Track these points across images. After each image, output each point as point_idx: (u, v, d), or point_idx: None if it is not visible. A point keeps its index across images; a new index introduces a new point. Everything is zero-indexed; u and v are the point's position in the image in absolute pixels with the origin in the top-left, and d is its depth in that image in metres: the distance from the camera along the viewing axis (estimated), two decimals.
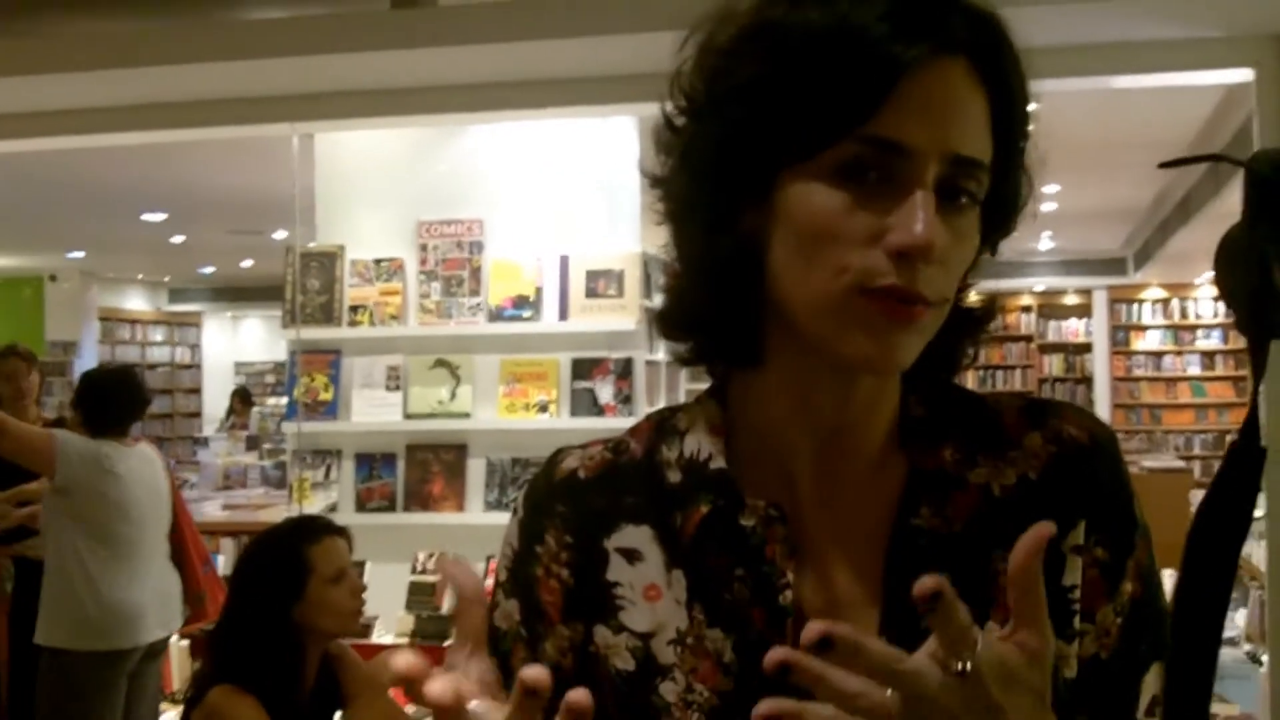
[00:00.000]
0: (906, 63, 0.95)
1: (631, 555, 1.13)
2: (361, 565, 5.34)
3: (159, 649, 5.39)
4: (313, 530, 3.45)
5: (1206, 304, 17.43)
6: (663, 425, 1.19)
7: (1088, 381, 17.76)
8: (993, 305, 1.15)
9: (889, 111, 0.96)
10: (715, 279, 1.07)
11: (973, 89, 0.99)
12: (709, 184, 1.05)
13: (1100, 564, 1.08)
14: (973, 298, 1.13)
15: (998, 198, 1.05)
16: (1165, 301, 17.49)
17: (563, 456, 1.21)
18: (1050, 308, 18.04)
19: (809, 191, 0.99)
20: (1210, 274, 14.34)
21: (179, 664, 6.00)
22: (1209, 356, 17.46)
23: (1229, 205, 8.90)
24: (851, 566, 1.08)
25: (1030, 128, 1.07)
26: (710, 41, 1.05)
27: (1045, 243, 15.07)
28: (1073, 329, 18.02)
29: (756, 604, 1.07)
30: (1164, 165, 2.50)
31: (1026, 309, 17.97)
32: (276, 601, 3.29)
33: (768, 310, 1.06)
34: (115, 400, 5.38)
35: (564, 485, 1.18)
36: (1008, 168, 1.05)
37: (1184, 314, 17.52)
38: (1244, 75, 4.68)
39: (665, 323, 1.14)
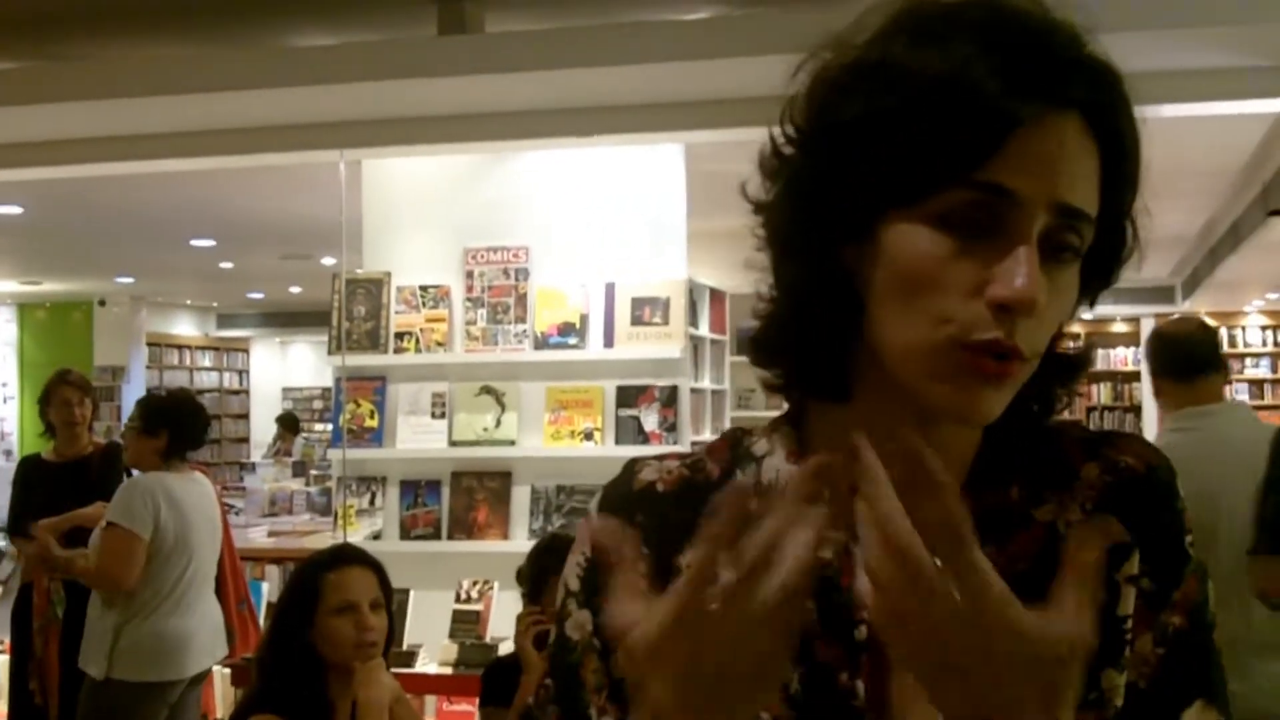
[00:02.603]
0: (1021, 119, 0.95)
1: None
2: (405, 594, 5.34)
3: (201, 677, 5.38)
4: (335, 559, 3.43)
5: (1255, 332, 17.29)
6: (738, 448, 1.18)
7: (1136, 410, 17.62)
8: (1088, 353, 1.14)
9: (1000, 159, 0.95)
10: (809, 311, 1.06)
11: (1084, 144, 0.99)
12: (811, 217, 1.04)
13: (1145, 593, 1.07)
14: (1069, 344, 1.12)
15: (1101, 250, 1.04)
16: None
17: (640, 467, 1.20)
18: (1099, 335, 17.92)
19: (913, 235, 0.98)
20: (1260, 302, 14.24)
21: (222, 692, 6.01)
22: (1258, 385, 17.30)
23: (1276, 234, 8.84)
24: None
25: (1139, 183, 1.06)
26: (824, 71, 1.04)
27: None
28: (1121, 357, 17.90)
29: (826, 636, 1.06)
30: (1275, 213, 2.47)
31: (1074, 337, 17.82)
32: (294, 627, 3.28)
33: (859, 347, 1.05)
34: (191, 425, 5.39)
35: (642, 496, 1.18)
36: (1114, 221, 1.04)
37: (1232, 342, 17.37)
38: None
39: (756, 348, 1.12)
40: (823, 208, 1.02)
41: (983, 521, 1.07)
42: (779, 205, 1.07)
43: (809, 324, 1.06)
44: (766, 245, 1.10)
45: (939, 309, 0.97)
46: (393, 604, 3.45)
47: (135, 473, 5.49)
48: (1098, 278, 1.08)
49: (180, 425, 5.31)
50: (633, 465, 1.21)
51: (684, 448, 5.84)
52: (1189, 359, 4.39)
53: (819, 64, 1.04)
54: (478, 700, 4.14)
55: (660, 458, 1.21)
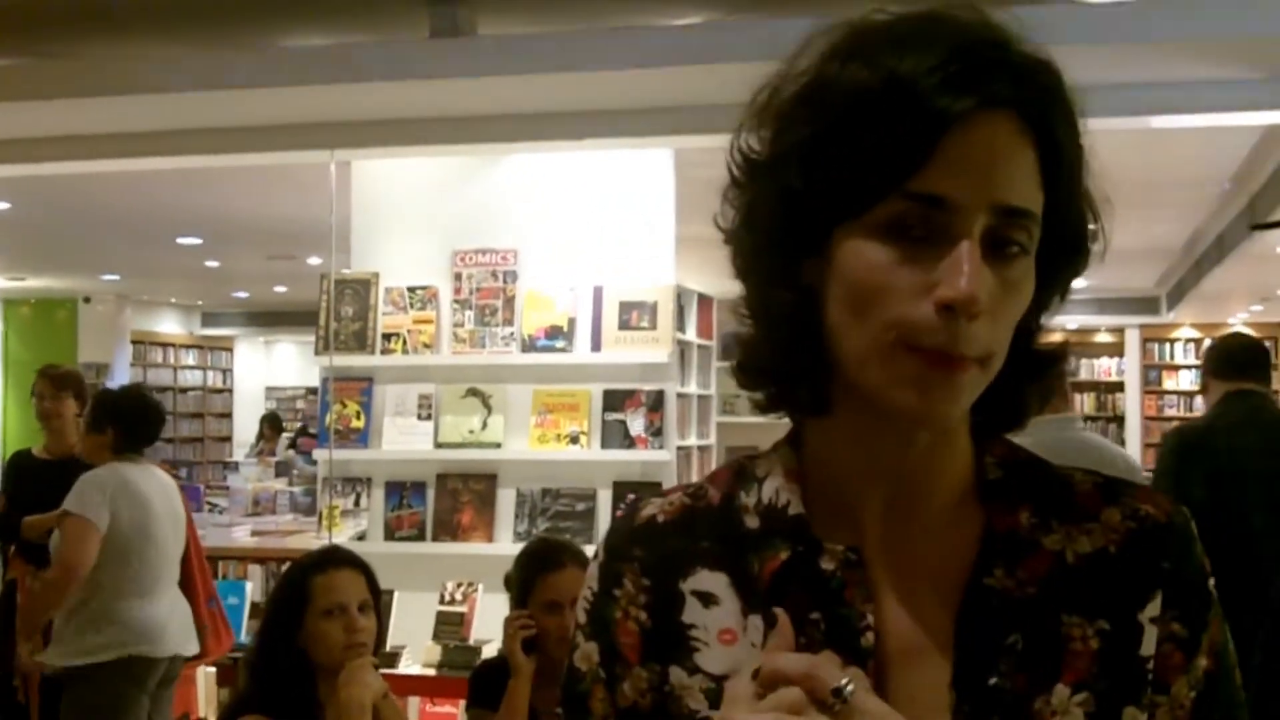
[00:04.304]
0: (951, 118, 0.97)
1: (707, 599, 1.14)
2: (389, 595, 5.34)
3: (174, 674, 5.36)
4: (324, 561, 3.43)
5: None
6: (741, 472, 1.21)
7: (1119, 420, 17.67)
8: (1062, 349, 1.16)
9: (933, 167, 0.98)
10: (778, 332, 1.09)
11: (1020, 140, 1.01)
12: (768, 240, 1.08)
13: (1178, 639, 1.09)
14: (1044, 340, 1.14)
15: (1059, 242, 1.07)
16: (1198, 341, 17.39)
17: (644, 504, 1.23)
18: (1083, 346, 17.96)
19: (859, 248, 1.01)
20: (1244, 314, 14.29)
21: (205, 691, 6.00)
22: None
23: (1262, 246, 8.88)
24: (919, 617, 1.09)
25: (1085, 171, 1.08)
26: (769, 102, 1.07)
27: (1078, 281, 15.00)
28: (1105, 368, 17.95)
29: (833, 645, 1.07)
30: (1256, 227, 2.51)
31: (1061, 346, 17.86)
32: (283, 629, 3.29)
33: (833, 359, 1.07)
34: (145, 419, 5.38)
35: (642, 530, 1.20)
36: (1064, 213, 1.06)
37: None
38: None
39: (740, 372, 1.16)
40: (777, 230, 1.06)
41: (995, 543, 1.11)
42: (740, 232, 1.12)
43: (779, 343, 1.10)
44: (736, 273, 1.14)
45: (888, 315, 1.00)
46: (381, 607, 3.46)
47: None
48: (1064, 270, 1.11)
49: (127, 421, 5.30)
50: (637, 502, 1.24)
51: (669, 453, 5.85)
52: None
53: (765, 96, 1.08)
54: (463, 702, 4.14)
55: (666, 493, 1.24)
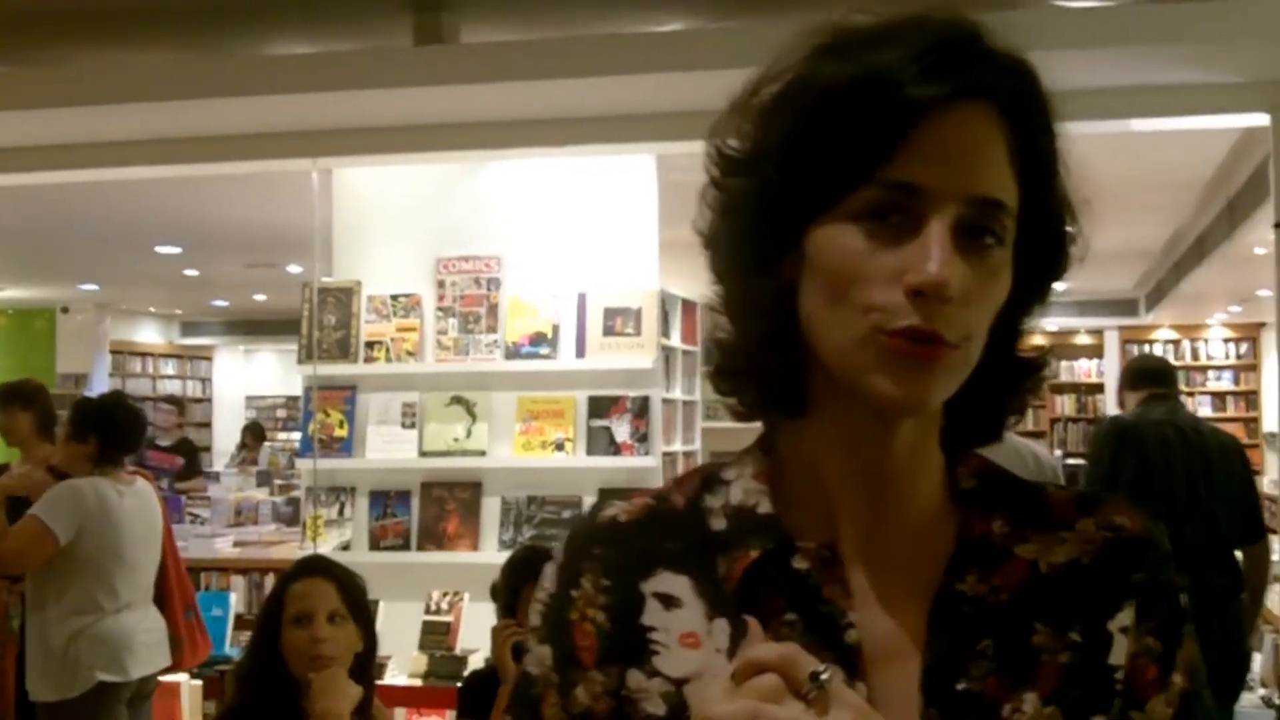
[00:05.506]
0: (923, 106, 0.98)
1: (668, 601, 1.12)
2: (374, 604, 5.31)
3: (148, 690, 5.32)
4: (300, 570, 3.40)
5: (1218, 345, 17.40)
6: (709, 477, 1.19)
7: (1099, 422, 17.69)
8: (1043, 357, 1.16)
9: (905, 155, 0.99)
10: (757, 327, 1.09)
11: (994, 132, 1.02)
12: (746, 235, 1.08)
13: (1152, 653, 1.10)
14: (1027, 346, 1.14)
15: (1037, 240, 1.07)
16: (1176, 343, 17.46)
17: (606, 505, 1.21)
18: (1062, 348, 17.99)
19: (835, 235, 1.02)
20: (1223, 315, 14.34)
21: (190, 704, 5.97)
22: (1220, 398, 17.40)
23: (1241, 248, 8.90)
24: (894, 619, 1.09)
25: (1062, 169, 1.09)
26: (750, 102, 1.08)
27: (1057, 284, 15.07)
28: (1085, 369, 17.98)
29: (814, 645, 1.05)
30: None
31: (1042, 350, 17.90)
32: (265, 640, 3.27)
33: (810, 358, 1.07)
34: (122, 430, 5.33)
35: (603, 529, 1.18)
36: (1041, 210, 1.06)
37: (1195, 355, 17.47)
38: (1260, 119, 4.71)
39: (717, 376, 1.15)
40: (755, 224, 1.07)
41: (969, 548, 1.11)
42: (719, 232, 1.12)
43: (758, 340, 1.10)
44: (715, 276, 1.14)
45: (862, 301, 1.00)
46: (369, 617, 3.42)
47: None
48: (1043, 270, 1.11)
49: (110, 431, 5.24)
50: (599, 504, 1.22)
51: (655, 459, 5.85)
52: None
53: (744, 97, 1.09)
54: (450, 713, 4.14)
55: (629, 496, 1.22)
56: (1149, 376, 5.83)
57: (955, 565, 1.09)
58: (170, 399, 15.96)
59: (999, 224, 1.02)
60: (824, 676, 0.93)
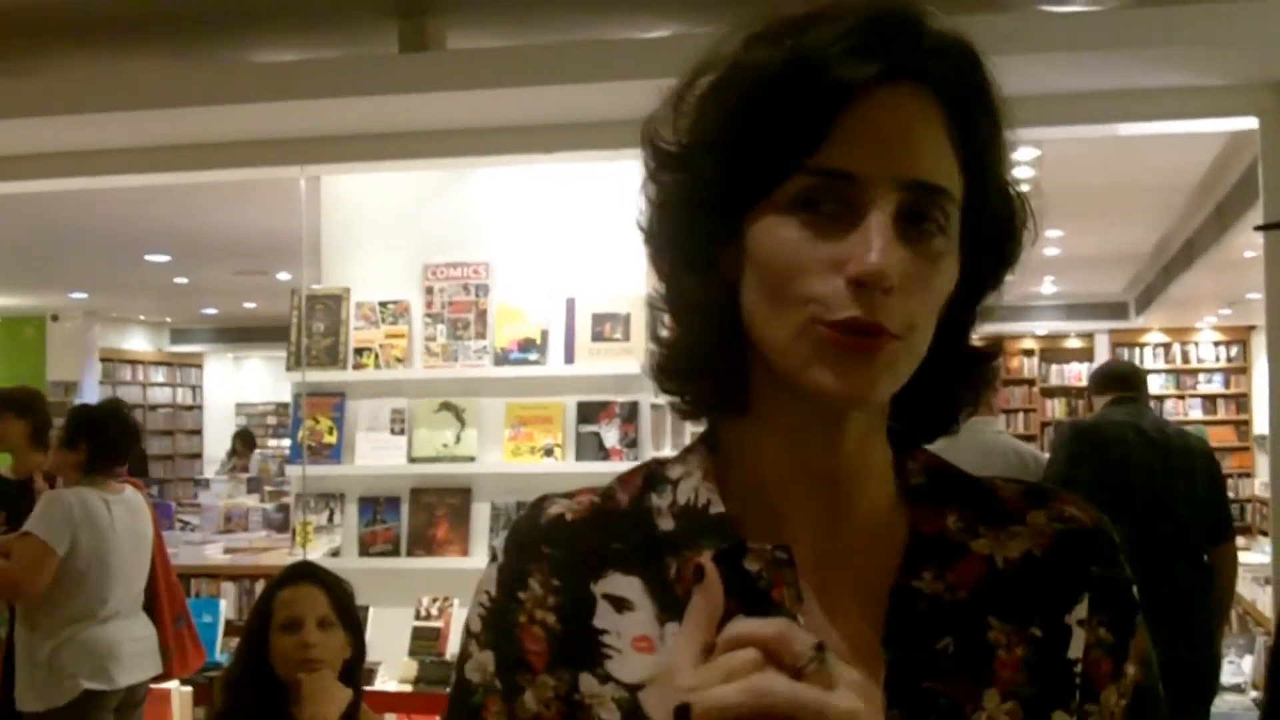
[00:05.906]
0: (853, 86, 0.96)
1: (620, 604, 1.09)
2: (364, 610, 5.30)
3: (137, 698, 5.31)
4: (288, 577, 3.41)
5: (1208, 348, 17.44)
6: (652, 475, 1.16)
7: (1059, 425, 17.72)
8: (995, 348, 1.14)
9: (838, 140, 0.96)
10: (697, 323, 1.07)
11: (930, 114, 0.99)
12: (683, 230, 1.06)
13: (1105, 645, 1.09)
14: (976, 341, 1.12)
15: (984, 230, 1.05)
16: (1167, 346, 17.50)
17: (549, 503, 1.17)
18: (1052, 351, 18.05)
19: (771, 226, 0.99)
20: (1213, 318, 14.38)
21: (180, 711, 5.95)
22: (1210, 400, 17.44)
23: (1230, 251, 8.93)
24: (848, 621, 1.06)
25: (1007, 156, 1.06)
26: (684, 95, 1.07)
27: (1048, 287, 15.10)
28: (1075, 373, 18.00)
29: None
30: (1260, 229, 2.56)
31: (1029, 353, 17.97)
32: (253, 646, 3.27)
33: (752, 354, 1.05)
34: (113, 438, 5.32)
35: (550, 528, 1.14)
36: (986, 198, 1.04)
37: (1185, 358, 17.52)
38: (1248, 123, 4.71)
39: (658, 374, 1.13)
40: (692, 217, 1.04)
41: (923, 546, 1.09)
42: (657, 226, 1.10)
43: (698, 336, 1.07)
44: (655, 272, 1.12)
45: (801, 294, 0.98)
46: (357, 623, 3.43)
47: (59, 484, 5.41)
48: (990, 261, 1.08)
49: (101, 438, 5.23)
50: (541, 501, 1.18)
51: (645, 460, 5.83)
52: None
53: (678, 90, 1.08)
54: (439, 718, 4.12)
55: (571, 494, 1.18)
56: (1115, 381, 5.90)
57: (910, 563, 1.08)
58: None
59: (940, 210, 0.99)
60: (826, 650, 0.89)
